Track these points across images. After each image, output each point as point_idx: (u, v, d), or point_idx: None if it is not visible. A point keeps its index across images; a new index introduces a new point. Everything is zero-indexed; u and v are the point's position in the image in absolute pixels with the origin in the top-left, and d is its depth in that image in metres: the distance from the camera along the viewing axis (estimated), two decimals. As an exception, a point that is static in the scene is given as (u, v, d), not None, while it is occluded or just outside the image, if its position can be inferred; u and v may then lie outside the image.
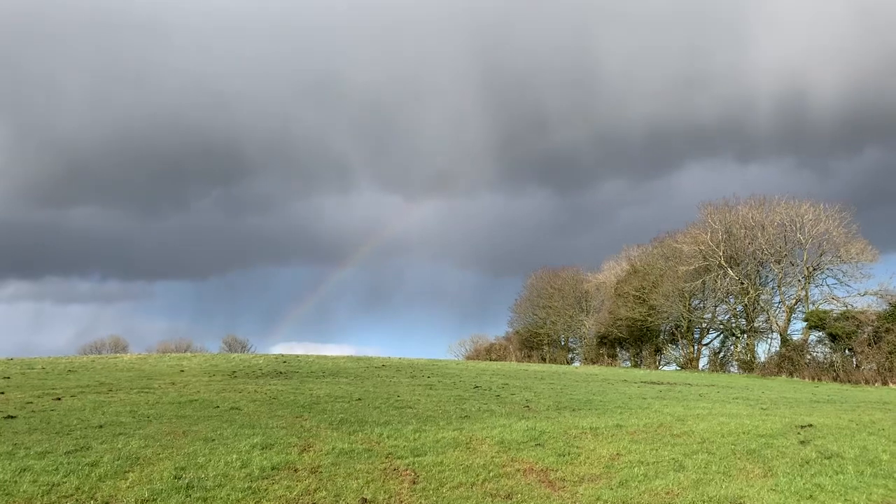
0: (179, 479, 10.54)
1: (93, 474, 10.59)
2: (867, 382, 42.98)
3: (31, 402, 18.13)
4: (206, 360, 37.44)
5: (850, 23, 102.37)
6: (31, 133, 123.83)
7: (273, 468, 11.36)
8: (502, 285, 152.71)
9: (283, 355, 45.65)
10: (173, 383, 24.09)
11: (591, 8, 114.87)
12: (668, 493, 11.15)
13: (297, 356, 43.88)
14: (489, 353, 76.01)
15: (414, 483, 11.16)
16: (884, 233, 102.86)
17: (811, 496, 11.01)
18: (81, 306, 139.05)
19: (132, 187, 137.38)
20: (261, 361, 36.92)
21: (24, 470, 10.70)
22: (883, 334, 46.13)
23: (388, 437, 13.80)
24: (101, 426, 14.49)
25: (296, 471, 11.35)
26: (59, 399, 19.07)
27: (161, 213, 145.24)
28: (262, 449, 12.44)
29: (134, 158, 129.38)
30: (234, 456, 11.87)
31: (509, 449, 13.34)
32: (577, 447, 13.70)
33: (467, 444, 13.61)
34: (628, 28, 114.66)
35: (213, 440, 13.14)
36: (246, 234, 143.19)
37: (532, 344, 74.65)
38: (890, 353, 44.42)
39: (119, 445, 12.43)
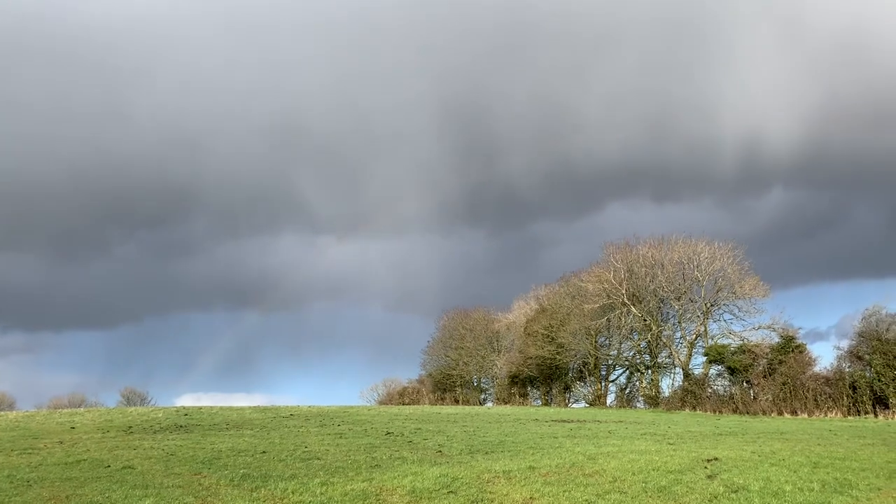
0: (58, 551, 9.57)
1: (-44, 552, 9.49)
2: (764, 413, 44.69)
3: None
4: (100, 416, 35.21)
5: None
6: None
7: (166, 533, 10.51)
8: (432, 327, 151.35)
9: (184, 407, 43.50)
10: (61, 442, 22.39)
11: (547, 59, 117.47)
12: (582, 537, 10.97)
13: (200, 408, 41.88)
14: (402, 396, 74.97)
15: (320, 541, 10.55)
16: (781, 269, 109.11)
17: (721, 532, 11.07)
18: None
19: (48, 231, 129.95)
20: (160, 415, 34.99)
21: None
22: (776, 366, 48.22)
23: (292, 493, 13.10)
24: (-29, 495, 13.14)
25: (191, 535, 10.54)
26: (-74, 466, 17.29)
27: (78, 259, 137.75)
28: (155, 512, 11.54)
29: (54, 200, 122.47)
30: (123, 522, 10.93)
31: (421, 498, 12.90)
32: (490, 493, 13.40)
33: (377, 495, 13.08)
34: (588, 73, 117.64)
35: (101, 505, 12.11)
36: (168, 279, 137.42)
37: (445, 386, 74.21)
38: (783, 384, 46.40)
39: (-9, 516, 11.26)
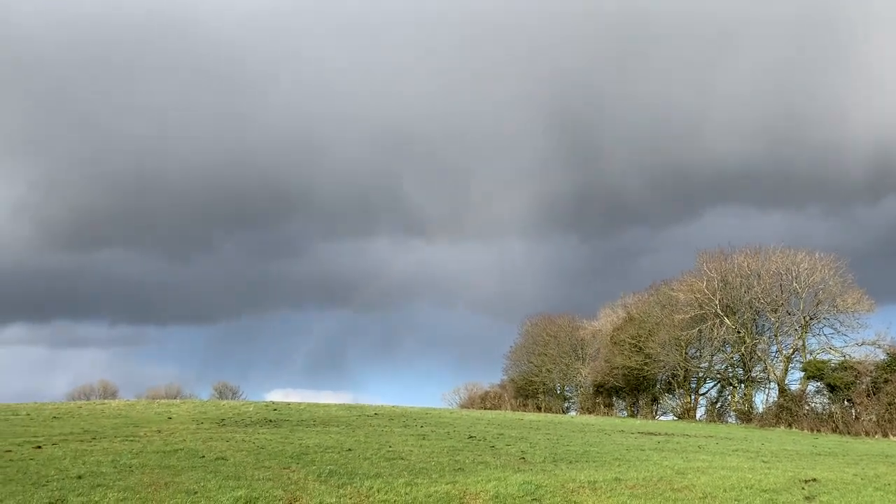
0: (157, 535, 10.02)
1: (65, 530, 10.07)
2: (867, 434, 42.27)
3: (11, 451, 17.53)
4: (194, 407, 36.73)
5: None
6: (66, 173, 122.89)
7: (256, 524, 10.84)
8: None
9: (273, 403, 44.84)
10: (159, 431, 23.47)
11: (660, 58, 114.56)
12: (670, 553, 10.65)
13: (289, 404, 43.09)
14: (484, 401, 74.94)
15: (404, 541, 10.65)
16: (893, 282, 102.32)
17: (820, 557, 10.53)
18: (85, 351, 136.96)
19: (161, 229, 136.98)
20: (250, 409, 36.20)
21: (-6, 525, 10.18)
22: (882, 385, 45.58)
23: (377, 491, 13.27)
24: (80, 477, 13.93)
25: (280, 527, 10.84)
26: (40, 447, 18.47)
27: (186, 256, 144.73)
28: (246, 503, 11.92)
29: (169, 199, 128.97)
30: (217, 510, 11.35)
31: (504, 504, 12.83)
32: (576, 503, 13.19)
33: (461, 498, 13.10)
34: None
35: (196, 493, 12.62)
36: (267, 278, 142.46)
37: (527, 392, 73.66)
38: (889, 404, 43.80)
39: (96, 498, 11.90)
